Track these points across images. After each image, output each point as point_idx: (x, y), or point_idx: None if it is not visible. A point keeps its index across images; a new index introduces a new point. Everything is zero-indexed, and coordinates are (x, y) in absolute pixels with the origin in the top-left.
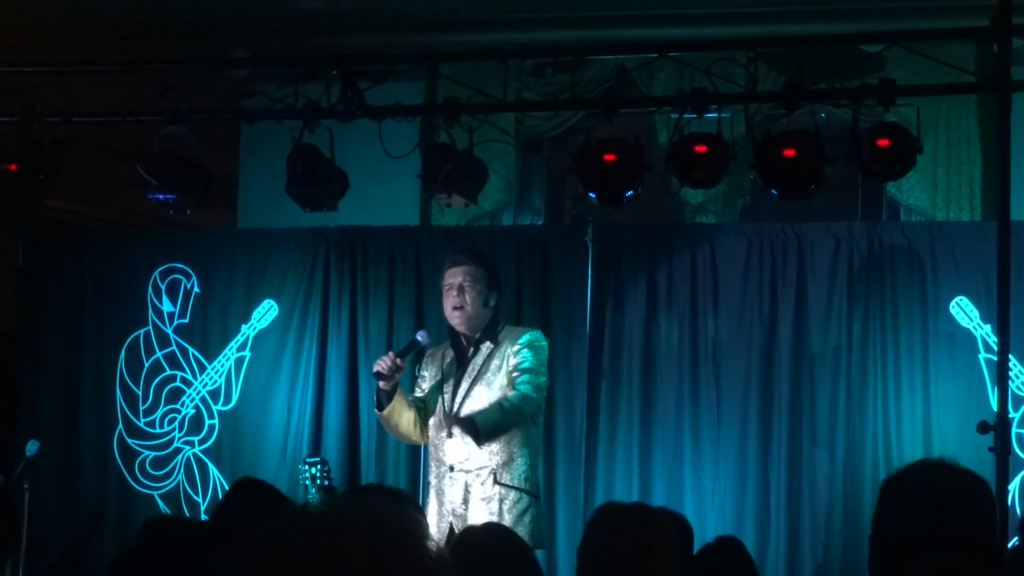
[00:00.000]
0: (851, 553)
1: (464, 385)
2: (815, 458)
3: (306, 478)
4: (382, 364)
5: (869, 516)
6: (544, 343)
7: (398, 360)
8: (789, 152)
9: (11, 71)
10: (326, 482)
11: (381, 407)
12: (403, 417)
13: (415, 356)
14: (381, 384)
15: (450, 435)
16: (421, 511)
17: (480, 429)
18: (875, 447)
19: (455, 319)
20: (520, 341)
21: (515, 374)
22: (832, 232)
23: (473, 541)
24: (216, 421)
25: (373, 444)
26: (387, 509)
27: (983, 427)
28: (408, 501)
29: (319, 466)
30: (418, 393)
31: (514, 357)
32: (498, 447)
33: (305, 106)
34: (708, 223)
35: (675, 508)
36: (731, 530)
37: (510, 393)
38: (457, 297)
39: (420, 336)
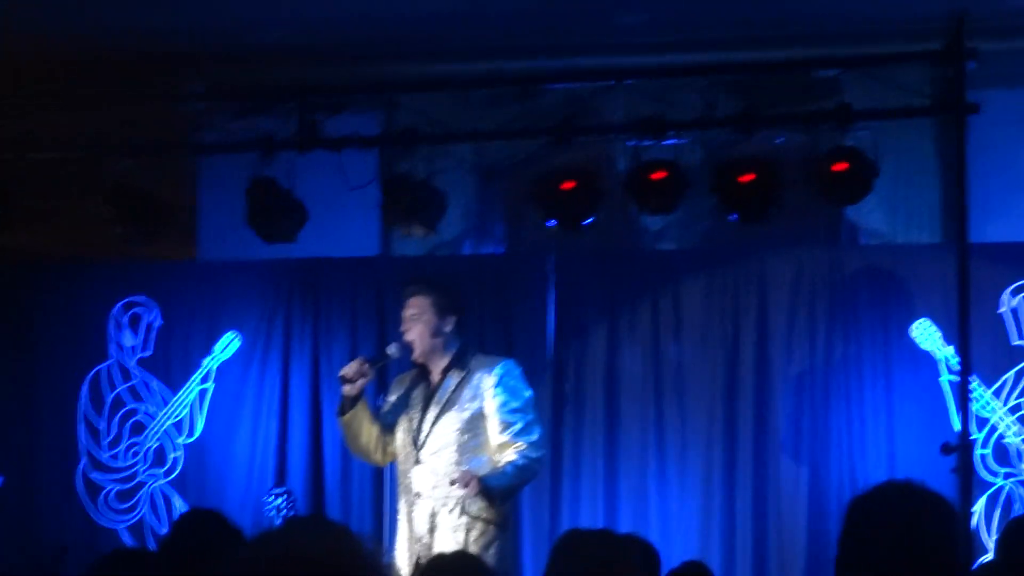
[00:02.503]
0: (817, 575)
1: (431, 414)
2: (780, 481)
3: (271, 509)
4: (349, 368)
5: (835, 537)
6: (517, 375)
7: (365, 366)
8: (747, 177)
9: None
10: (292, 512)
11: (343, 413)
12: (363, 429)
13: (380, 375)
14: (345, 389)
15: (463, 502)
16: (379, 542)
17: (495, 493)
18: (840, 469)
19: (412, 352)
20: (496, 386)
21: (510, 441)
22: (793, 256)
23: (442, 568)
24: (180, 453)
25: (338, 475)
26: (350, 541)
27: (946, 448)
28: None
29: (284, 497)
30: (383, 413)
31: (498, 414)
32: (460, 474)
33: (261, 138)
34: (668, 249)
35: (641, 534)
36: (697, 554)
37: (514, 458)
38: (407, 332)
39: (391, 348)
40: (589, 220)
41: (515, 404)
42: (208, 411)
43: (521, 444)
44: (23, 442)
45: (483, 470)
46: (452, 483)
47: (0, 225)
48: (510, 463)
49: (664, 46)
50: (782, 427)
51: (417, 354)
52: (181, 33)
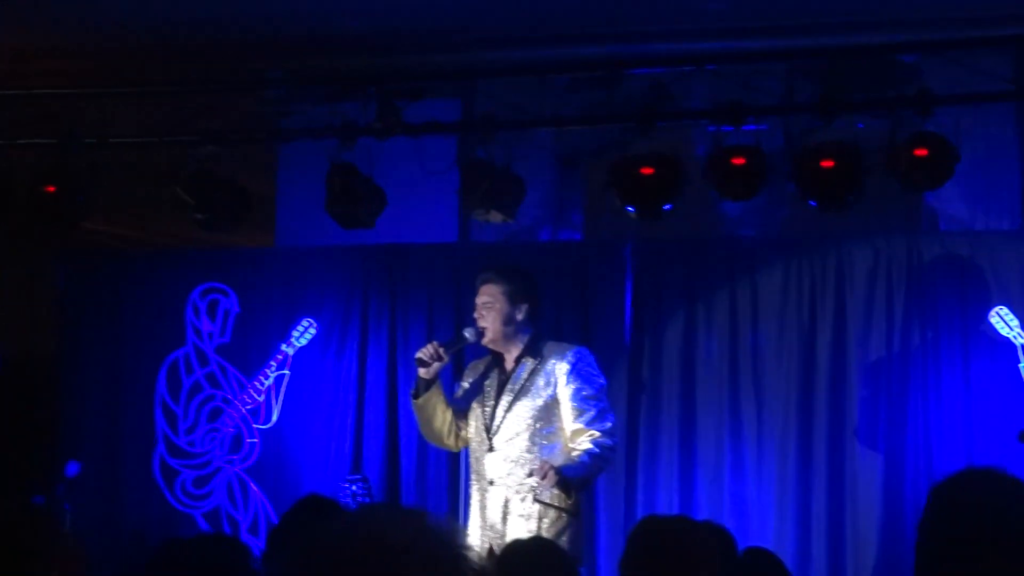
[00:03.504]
0: (892, 564)
1: (505, 401)
2: (856, 468)
3: (348, 496)
4: (424, 351)
5: (911, 526)
6: (590, 362)
7: (441, 350)
8: (827, 163)
9: (48, 94)
10: (367, 499)
11: (417, 395)
12: (437, 413)
13: (455, 361)
14: (421, 372)
15: (536, 489)
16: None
17: (572, 484)
18: (916, 457)
19: (484, 338)
20: (570, 373)
21: (584, 429)
22: (871, 243)
23: (519, 554)
24: (257, 439)
25: (413, 461)
26: (428, 521)
27: (1023, 436)
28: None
29: (360, 483)
30: (456, 399)
31: (571, 402)
32: (539, 463)
33: (342, 125)
34: (747, 236)
35: (717, 520)
36: (772, 541)
37: (590, 447)
38: (480, 319)
39: (467, 332)
40: (668, 207)
41: (588, 391)
42: (285, 397)
43: (595, 433)
44: (106, 427)
45: (557, 458)
46: (529, 474)
47: (82, 212)
48: (585, 452)
49: (745, 31)
50: (858, 415)
51: (488, 340)
52: (261, 20)
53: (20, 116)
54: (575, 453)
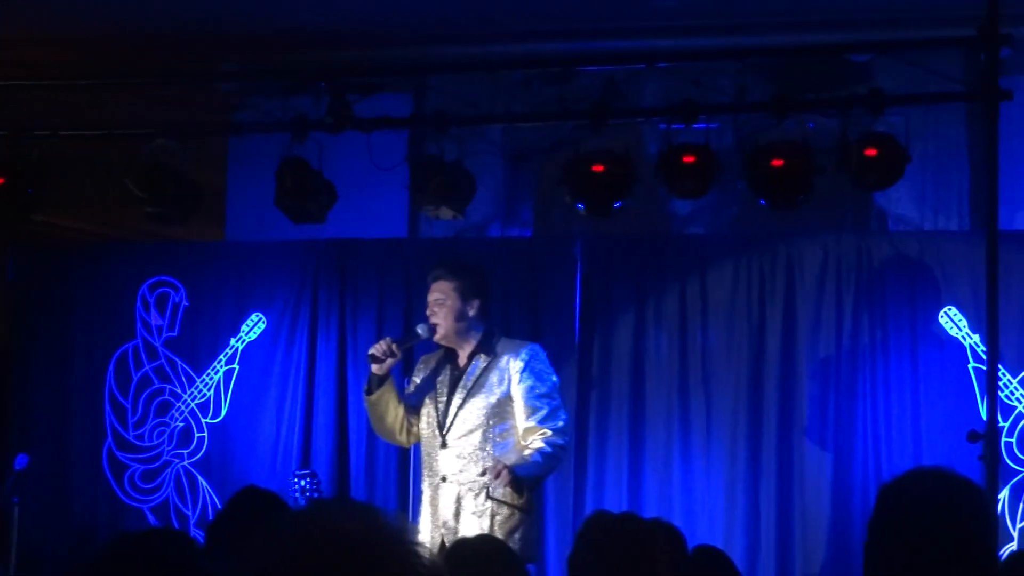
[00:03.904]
0: (841, 562)
1: (457, 398)
2: (805, 466)
3: (296, 491)
4: (377, 347)
5: (859, 525)
6: (543, 359)
7: (394, 346)
8: (778, 162)
9: None
10: (316, 494)
11: (370, 392)
12: (389, 409)
13: (406, 356)
14: (374, 368)
15: (489, 487)
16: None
17: (524, 483)
18: (865, 456)
19: (435, 335)
20: (523, 371)
21: (536, 427)
22: (820, 242)
23: (465, 552)
24: (206, 434)
25: (363, 457)
26: (379, 517)
27: (973, 436)
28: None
29: (309, 478)
30: (408, 394)
31: (524, 399)
32: (492, 462)
33: (293, 119)
34: (697, 234)
35: (666, 518)
36: (721, 539)
37: (542, 446)
38: (432, 316)
39: (420, 328)
40: (619, 204)
41: (542, 389)
42: (233, 392)
43: (547, 431)
44: (54, 420)
45: (510, 455)
46: (482, 474)
47: (32, 205)
48: (537, 451)
49: (696, 29)
50: (807, 413)
51: (440, 336)
52: (215, 14)
53: None
54: (527, 452)
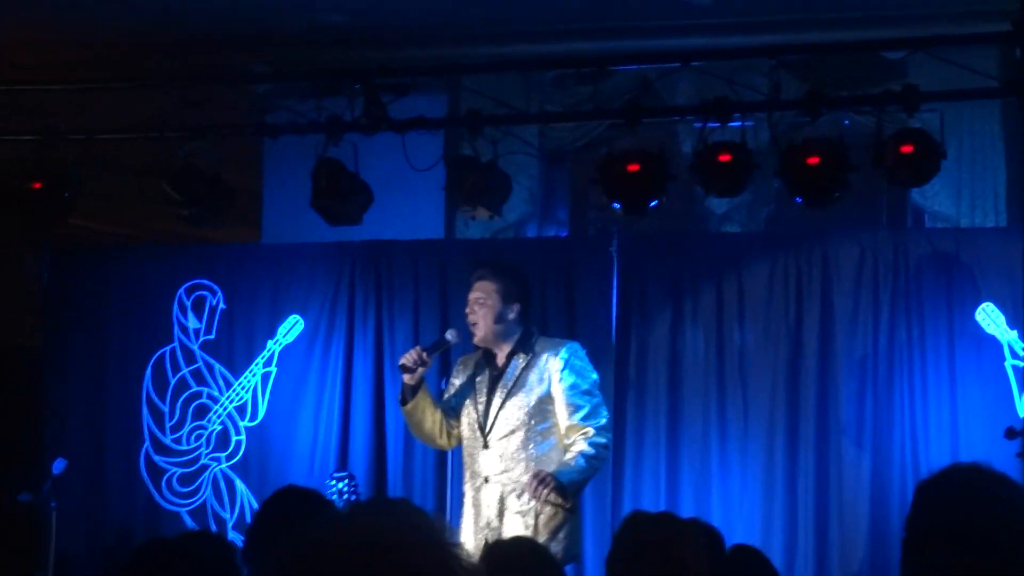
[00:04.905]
0: (879, 561)
1: (497, 398)
2: (842, 465)
3: (334, 493)
4: (408, 357)
5: (898, 523)
6: (583, 356)
7: (424, 354)
8: (813, 160)
9: (31, 89)
10: (354, 496)
11: (405, 402)
12: (427, 416)
13: (442, 357)
14: (405, 378)
15: (534, 498)
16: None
17: (570, 489)
18: (902, 454)
19: (473, 335)
20: (563, 369)
21: (579, 425)
22: (857, 240)
23: (502, 553)
24: (243, 437)
25: (400, 458)
26: (417, 518)
27: (1010, 433)
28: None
29: (346, 481)
30: (447, 398)
31: (565, 397)
32: (534, 462)
33: (328, 120)
34: (733, 232)
35: (703, 518)
36: (759, 539)
37: (584, 448)
38: (471, 315)
39: (449, 334)
40: (654, 203)
41: (583, 386)
42: (271, 394)
43: (589, 430)
44: (92, 424)
45: (552, 454)
46: (522, 492)
47: (68, 208)
48: (580, 454)
49: (730, 27)
50: (845, 411)
51: (479, 338)
52: (248, 14)
53: (4, 111)
54: (570, 455)
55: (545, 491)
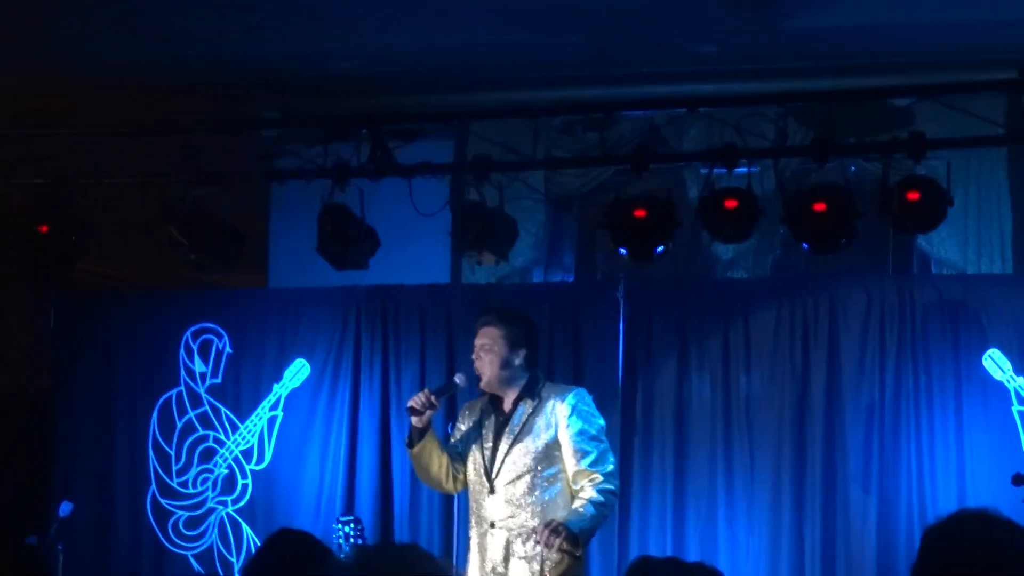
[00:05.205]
0: None
1: (504, 444)
2: (849, 511)
3: (340, 537)
4: (416, 400)
5: (904, 569)
6: (589, 402)
7: (432, 398)
8: (819, 206)
9: (39, 135)
10: (360, 540)
11: (412, 445)
12: (434, 459)
13: (449, 402)
14: (413, 420)
15: (546, 547)
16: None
17: (581, 537)
18: (909, 500)
19: (479, 381)
20: (570, 415)
21: (587, 471)
22: (863, 286)
23: None
24: (249, 480)
25: (407, 502)
26: (427, 565)
27: (1017, 479)
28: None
29: (352, 525)
30: (453, 443)
31: (572, 443)
32: (541, 508)
33: (335, 165)
34: (739, 279)
35: (710, 563)
36: None
37: (593, 495)
38: (477, 360)
39: (457, 378)
40: (660, 249)
41: (591, 432)
42: (277, 438)
43: (597, 476)
44: (98, 467)
45: (559, 499)
46: (540, 538)
47: (75, 253)
48: (590, 501)
49: (737, 74)
50: (851, 458)
51: (484, 383)
52: (255, 60)
53: (12, 156)
54: (579, 503)
55: (557, 540)
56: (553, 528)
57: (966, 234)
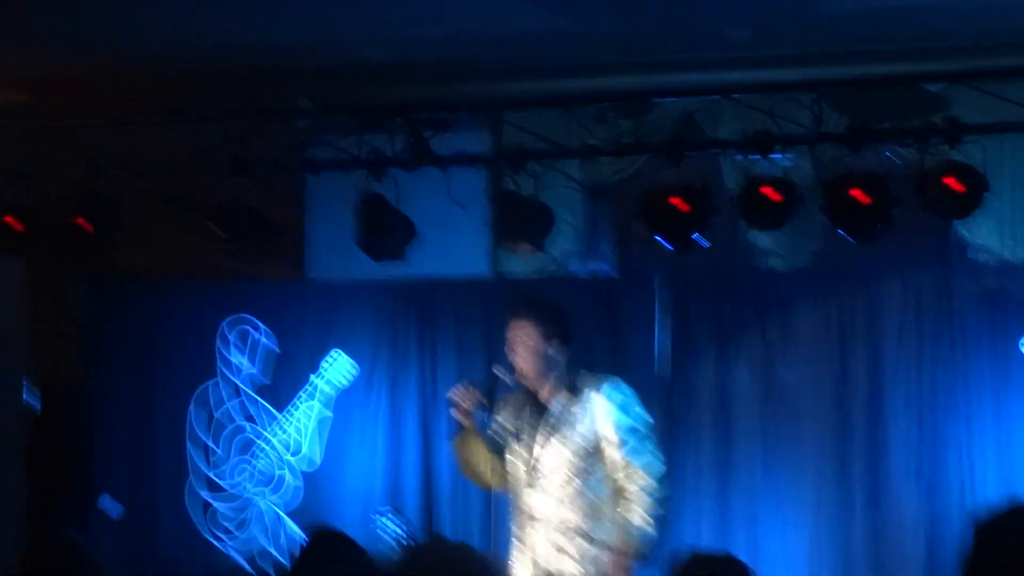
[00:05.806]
0: None
1: (543, 436)
2: (896, 502)
3: (380, 528)
4: (456, 392)
5: (954, 562)
6: (625, 390)
7: (472, 389)
8: (856, 193)
9: (76, 125)
10: (402, 530)
11: (454, 437)
12: (476, 453)
13: (488, 395)
14: (455, 413)
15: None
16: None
17: (648, 553)
18: (960, 490)
19: (516, 374)
20: (608, 405)
21: (627, 461)
22: (901, 273)
23: None
24: (286, 471)
25: (449, 496)
26: (477, 565)
27: None
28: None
29: (391, 514)
30: (492, 437)
31: (612, 433)
32: (586, 505)
33: (370, 155)
34: (777, 268)
35: (751, 554)
36: None
37: (648, 507)
38: (512, 354)
39: (498, 370)
40: (697, 237)
41: (629, 421)
42: (316, 430)
43: (643, 476)
44: (137, 458)
45: (599, 489)
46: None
47: (110, 244)
48: (645, 517)
49: (771, 61)
50: (894, 448)
51: (521, 377)
52: (290, 51)
53: (48, 147)
54: (637, 518)
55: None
56: (625, 569)
57: (1003, 220)
